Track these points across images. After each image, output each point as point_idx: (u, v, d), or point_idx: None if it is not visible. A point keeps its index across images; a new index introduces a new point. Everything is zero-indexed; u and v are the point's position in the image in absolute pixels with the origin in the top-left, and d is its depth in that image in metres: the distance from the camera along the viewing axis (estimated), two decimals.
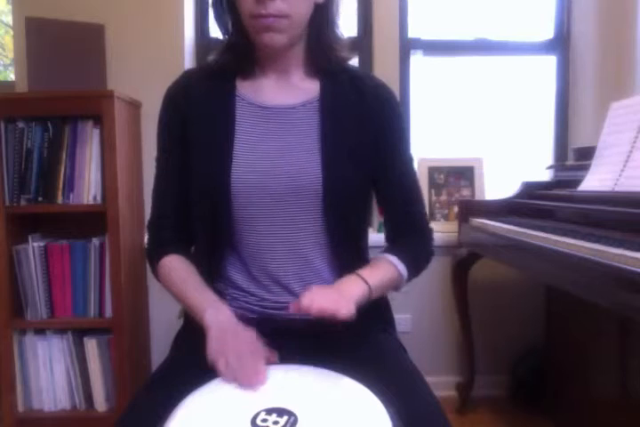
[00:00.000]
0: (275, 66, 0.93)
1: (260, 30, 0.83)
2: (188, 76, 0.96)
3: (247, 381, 0.72)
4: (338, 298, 0.79)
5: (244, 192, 0.88)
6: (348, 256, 0.94)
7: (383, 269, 0.91)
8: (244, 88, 0.94)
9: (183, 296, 0.90)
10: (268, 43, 0.84)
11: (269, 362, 0.78)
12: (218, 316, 0.84)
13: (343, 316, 0.76)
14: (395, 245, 0.99)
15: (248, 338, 0.81)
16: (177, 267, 0.94)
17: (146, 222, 1.00)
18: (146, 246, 0.99)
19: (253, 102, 0.92)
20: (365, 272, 0.88)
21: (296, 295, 0.91)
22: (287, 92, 0.93)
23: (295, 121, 0.92)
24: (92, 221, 1.72)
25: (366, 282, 0.85)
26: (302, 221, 0.90)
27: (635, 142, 1.33)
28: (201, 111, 0.92)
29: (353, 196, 0.91)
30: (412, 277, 0.95)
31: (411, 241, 0.98)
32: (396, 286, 0.94)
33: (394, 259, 0.92)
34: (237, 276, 0.93)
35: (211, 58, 0.96)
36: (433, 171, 2.07)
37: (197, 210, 0.93)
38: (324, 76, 0.94)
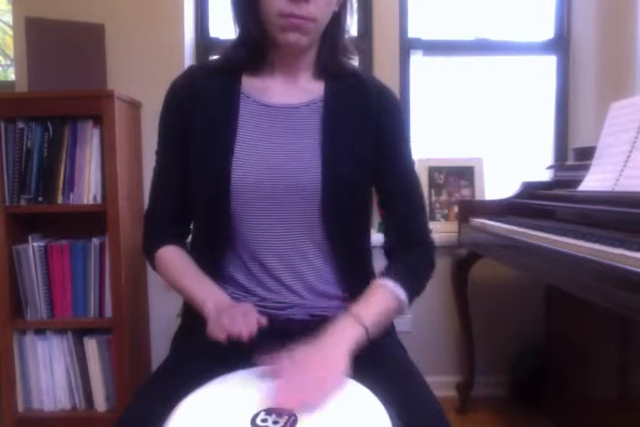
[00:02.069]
0: (285, 67, 0.93)
1: (288, 29, 0.83)
2: (192, 72, 0.96)
3: (237, 331, 0.74)
4: (320, 377, 0.70)
5: (243, 189, 0.88)
6: (348, 255, 0.94)
7: (381, 302, 0.86)
8: (250, 86, 0.94)
9: (182, 288, 0.91)
10: (294, 42, 0.84)
11: (260, 324, 0.78)
12: (217, 303, 0.84)
13: (330, 395, 0.68)
14: (394, 263, 0.95)
15: (242, 306, 0.82)
16: (174, 258, 0.94)
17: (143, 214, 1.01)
18: (142, 236, 0.99)
19: (258, 100, 0.93)
20: (361, 310, 0.82)
21: (296, 294, 0.92)
22: (292, 92, 0.94)
23: (298, 120, 0.92)
24: (92, 221, 1.72)
25: (362, 324, 0.80)
26: (301, 219, 0.90)
27: (635, 142, 1.33)
28: (205, 107, 0.92)
29: (352, 196, 0.91)
30: (415, 298, 0.92)
31: (411, 254, 0.95)
32: (396, 314, 0.89)
33: (392, 284, 0.87)
34: (237, 274, 0.93)
35: (217, 55, 0.97)
36: (433, 171, 2.07)
37: (197, 206, 0.93)
38: (329, 78, 0.95)
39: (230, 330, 0.74)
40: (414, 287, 0.91)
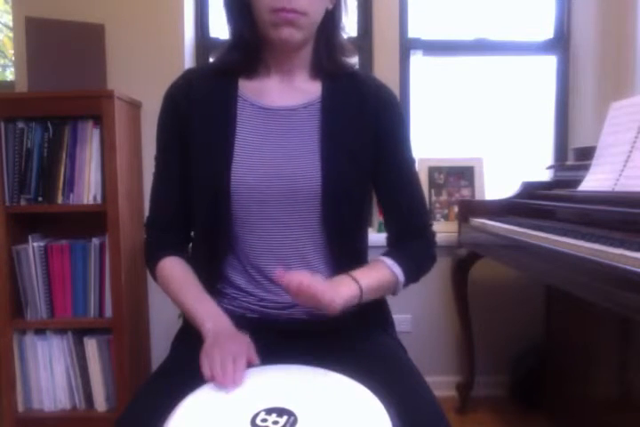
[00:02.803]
0: (280, 67, 0.93)
1: (280, 24, 0.83)
2: (189, 76, 0.96)
3: (222, 380, 0.72)
4: (326, 289, 0.77)
5: (243, 193, 0.88)
6: (347, 257, 0.94)
7: (378, 272, 0.90)
8: (246, 89, 0.94)
9: (182, 304, 0.90)
10: (287, 37, 0.84)
11: (250, 363, 0.77)
12: (215, 327, 0.84)
13: (326, 304, 0.75)
14: (395, 248, 0.97)
15: (238, 341, 0.81)
16: (175, 271, 0.93)
17: (144, 222, 1.00)
18: (144, 247, 0.99)
19: (255, 103, 0.92)
20: (358, 273, 0.86)
21: None
22: (289, 93, 0.93)
23: (296, 122, 0.92)
24: (92, 221, 1.72)
25: (358, 283, 0.84)
26: (300, 222, 0.90)
27: (635, 142, 1.33)
28: (202, 111, 0.91)
29: (351, 197, 0.91)
30: (411, 281, 0.94)
31: (412, 245, 0.97)
32: (391, 289, 0.92)
33: (390, 262, 0.91)
34: (236, 276, 0.93)
35: (214, 57, 0.97)
36: (433, 171, 2.07)
37: (196, 210, 0.93)
38: (326, 79, 0.95)
39: (215, 375, 0.73)
40: (411, 270, 0.93)
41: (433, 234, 1.01)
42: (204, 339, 0.82)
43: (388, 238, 1.01)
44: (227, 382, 0.72)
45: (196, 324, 0.86)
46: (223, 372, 0.73)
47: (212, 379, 0.73)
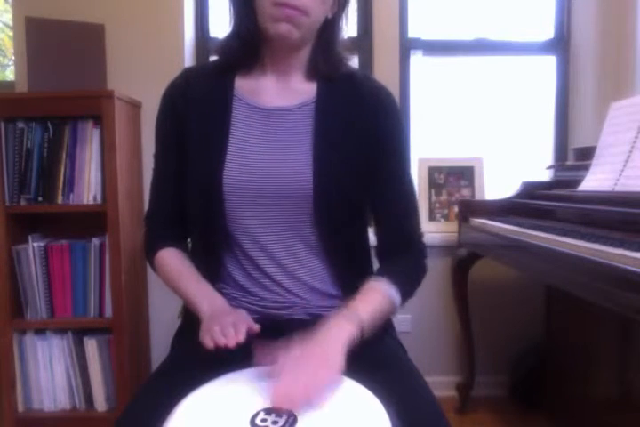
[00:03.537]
0: (277, 66, 0.93)
1: (280, 19, 0.83)
2: (187, 75, 0.96)
3: (223, 342, 0.73)
4: (316, 376, 0.69)
5: (236, 192, 0.88)
6: (343, 255, 0.94)
7: (376, 303, 0.86)
8: (243, 88, 0.94)
9: (180, 290, 0.92)
10: (286, 34, 0.84)
11: (251, 332, 0.77)
12: (212, 306, 0.85)
13: (325, 392, 0.68)
14: (387, 265, 0.95)
15: (235, 314, 0.82)
16: (172, 260, 0.95)
17: (143, 216, 1.02)
18: (143, 238, 1.00)
19: (251, 103, 0.93)
20: (358, 309, 0.82)
21: (295, 294, 0.92)
22: (285, 93, 0.93)
23: (291, 123, 0.92)
24: (92, 221, 1.72)
25: (359, 323, 0.79)
26: (294, 221, 0.90)
27: (635, 142, 1.33)
28: (198, 110, 0.92)
29: (344, 197, 0.91)
30: (406, 301, 0.92)
31: (403, 259, 0.95)
32: (388, 316, 0.90)
33: (390, 289, 0.87)
34: (236, 275, 0.93)
35: (215, 53, 0.97)
36: (433, 171, 2.07)
37: (191, 209, 0.94)
38: (322, 80, 0.95)
39: (218, 340, 0.74)
40: (406, 290, 0.91)
41: (424, 245, 0.99)
42: (202, 320, 0.82)
43: (378, 248, 0.99)
44: (230, 343, 0.73)
45: (194, 308, 0.87)
46: (225, 334, 0.74)
47: (215, 345, 0.74)
